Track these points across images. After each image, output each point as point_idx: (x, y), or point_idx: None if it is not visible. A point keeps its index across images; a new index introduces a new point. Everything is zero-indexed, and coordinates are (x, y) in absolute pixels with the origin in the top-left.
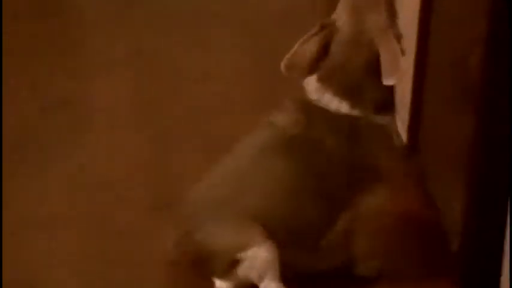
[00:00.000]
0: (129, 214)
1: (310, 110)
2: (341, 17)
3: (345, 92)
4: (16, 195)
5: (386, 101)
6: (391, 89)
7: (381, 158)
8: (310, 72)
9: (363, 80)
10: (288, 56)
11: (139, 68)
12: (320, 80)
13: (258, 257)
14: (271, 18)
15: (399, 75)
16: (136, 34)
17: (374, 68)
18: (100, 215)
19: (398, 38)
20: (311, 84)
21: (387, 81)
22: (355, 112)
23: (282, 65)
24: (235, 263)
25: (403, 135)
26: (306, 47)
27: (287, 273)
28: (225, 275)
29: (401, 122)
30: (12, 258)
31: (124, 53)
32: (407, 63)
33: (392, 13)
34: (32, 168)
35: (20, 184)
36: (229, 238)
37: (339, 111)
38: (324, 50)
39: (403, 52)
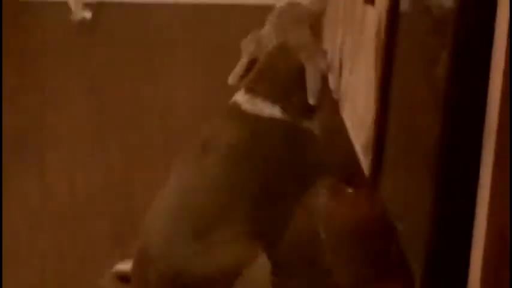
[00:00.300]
0: (90, 242)
1: (245, 120)
2: (268, 32)
3: (275, 97)
4: None
5: (311, 107)
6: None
7: (312, 160)
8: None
9: (291, 84)
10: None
11: (98, 100)
12: (248, 90)
13: (258, 271)
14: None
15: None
16: (95, 67)
17: (301, 75)
18: (61, 244)
19: (323, 54)
20: (240, 96)
21: (311, 100)
22: (287, 117)
23: (230, 79)
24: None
25: (367, 155)
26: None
27: None
28: None
29: (361, 145)
30: None
31: (84, 85)
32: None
33: (317, 31)
34: None
35: None
36: (217, 264)
37: (272, 116)
38: (251, 64)
39: (328, 69)
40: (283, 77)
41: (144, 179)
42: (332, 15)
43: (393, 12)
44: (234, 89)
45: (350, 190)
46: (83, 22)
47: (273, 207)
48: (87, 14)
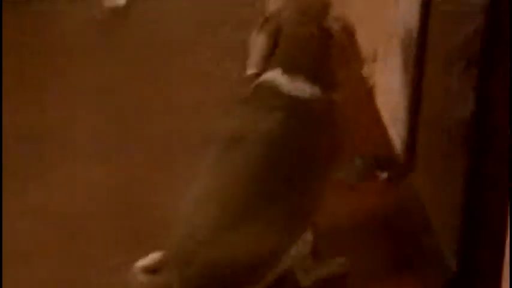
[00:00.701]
0: (92, 247)
1: (285, 104)
2: (286, 7)
3: (314, 76)
4: None
5: (337, 79)
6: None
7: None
8: (266, 66)
9: (324, 63)
10: (248, 60)
11: (105, 101)
12: (286, 71)
13: (302, 247)
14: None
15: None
16: (101, 67)
17: (328, 50)
18: (63, 248)
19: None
20: (278, 78)
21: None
22: (326, 96)
23: (248, 69)
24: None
25: (401, 153)
26: (259, 41)
27: None
28: (257, 285)
29: (398, 138)
30: None
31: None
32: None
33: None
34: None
35: None
36: (264, 246)
37: (313, 98)
38: (275, 42)
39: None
40: (314, 50)
41: (154, 179)
42: (362, 10)
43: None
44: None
45: (384, 175)
46: (115, 9)
47: (313, 184)
48: (121, 0)
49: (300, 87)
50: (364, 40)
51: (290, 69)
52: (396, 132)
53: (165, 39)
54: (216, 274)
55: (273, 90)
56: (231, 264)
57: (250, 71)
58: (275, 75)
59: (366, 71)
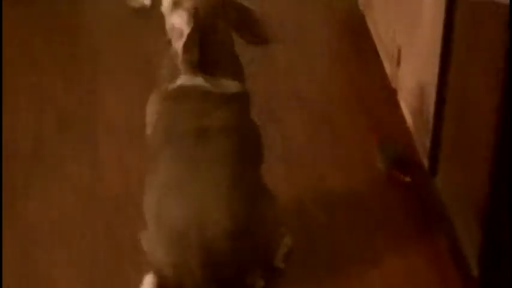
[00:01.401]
0: (135, 227)
1: (221, 101)
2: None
3: (230, 71)
4: (30, 203)
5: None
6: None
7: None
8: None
9: (232, 53)
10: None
11: (148, 82)
12: (208, 74)
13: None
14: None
15: None
16: (144, 49)
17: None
18: (107, 226)
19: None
20: (205, 83)
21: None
22: (244, 88)
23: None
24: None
25: (424, 158)
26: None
27: None
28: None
29: (422, 146)
30: (24, 257)
31: (133, 67)
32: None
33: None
34: (47, 180)
35: (34, 193)
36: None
37: (238, 91)
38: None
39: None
40: (226, 49)
41: None
42: (383, 6)
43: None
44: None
45: (407, 179)
46: (141, 8)
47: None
48: (147, 1)
49: (225, 86)
50: (388, 41)
51: (210, 73)
52: (420, 137)
53: None
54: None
55: (200, 90)
56: (261, 231)
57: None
58: (197, 79)
59: (389, 73)
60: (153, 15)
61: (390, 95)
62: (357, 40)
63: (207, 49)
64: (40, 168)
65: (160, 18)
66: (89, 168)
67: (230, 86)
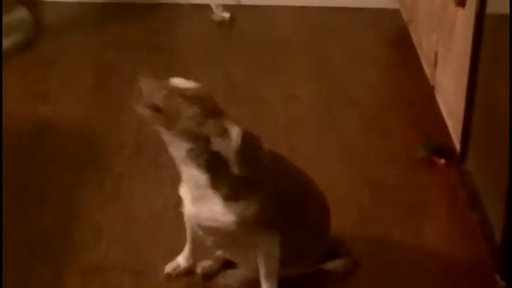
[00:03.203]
0: None
1: None
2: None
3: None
4: (133, 188)
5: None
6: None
7: None
8: None
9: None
10: None
11: (230, 93)
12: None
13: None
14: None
15: None
16: (226, 67)
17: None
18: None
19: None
20: None
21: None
22: None
23: None
24: None
25: (456, 143)
26: None
27: None
28: None
29: (454, 131)
30: (124, 234)
31: (217, 79)
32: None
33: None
34: (148, 170)
35: (137, 180)
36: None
37: None
38: None
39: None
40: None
41: None
42: (425, 17)
43: (481, 14)
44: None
45: (442, 161)
46: (222, 22)
47: None
48: (226, 15)
49: None
50: (427, 45)
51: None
52: (453, 125)
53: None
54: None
55: None
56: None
57: None
58: None
59: (428, 73)
60: (233, 26)
61: (429, 92)
62: (402, 50)
63: None
64: (141, 159)
65: (237, 29)
66: None
67: None
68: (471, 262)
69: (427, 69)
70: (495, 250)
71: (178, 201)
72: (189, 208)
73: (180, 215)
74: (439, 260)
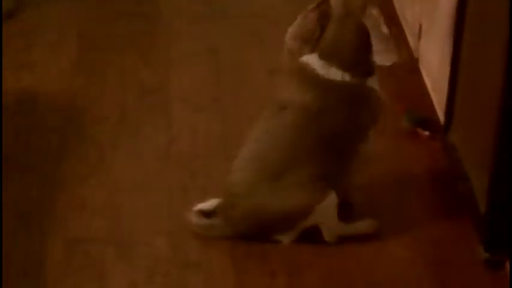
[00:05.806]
0: (208, 178)
1: (319, 84)
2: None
3: (346, 65)
4: (116, 160)
5: (372, 67)
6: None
7: (372, 114)
8: (311, 48)
9: (357, 55)
10: (291, 28)
11: (214, 63)
12: (323, 57)
13: (327, 207)
14: None
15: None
16: (211, 35)
17: (365, 44)
18: (179, 179)
19: (383, 22)
20: (315, 62)
21: (381, 62)
22: (355, 80)
23: (287, 36)
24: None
25: (440, 115)
26: (306, 22)
27: None
28: (289, 231)
29: (438, 103)
30: (108, 204)
31: (201, 50)
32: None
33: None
34: (131, 141)
35: (119, 151)
36: (293, 202)
37: (343, 81)
38: (321, 27)
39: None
40: (351, 47)
41: (243, 131)
42: None
43: None
44: None
45: (426, 133)
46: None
47: (339, 152)
48: None
49: (332, 72)
50: (411, 17)
51: (326, 57)
52: (437, 98)
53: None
54: (252, 219)
55: (311, 71)
56: (264, 212)
57: (292, 43)
58: (313, 60)
59: (412, 45)
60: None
61: (413, 64)
62: (385, 22)
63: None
64: (124, 130)
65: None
66: (164, 131)
67: (338, 75)
68: (453, 233)
69: (411, 41)
70: (479, 221)
71: (161, 172)
72: None
73: (162, 185)
74: (421, 230)
